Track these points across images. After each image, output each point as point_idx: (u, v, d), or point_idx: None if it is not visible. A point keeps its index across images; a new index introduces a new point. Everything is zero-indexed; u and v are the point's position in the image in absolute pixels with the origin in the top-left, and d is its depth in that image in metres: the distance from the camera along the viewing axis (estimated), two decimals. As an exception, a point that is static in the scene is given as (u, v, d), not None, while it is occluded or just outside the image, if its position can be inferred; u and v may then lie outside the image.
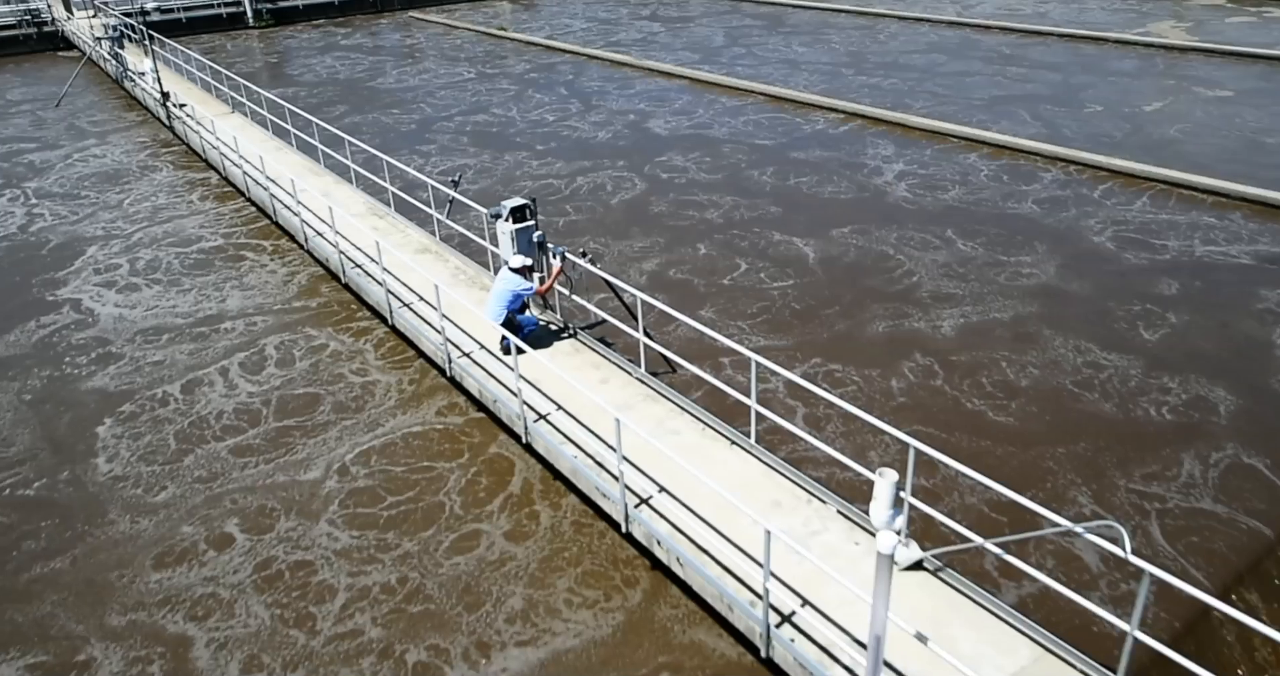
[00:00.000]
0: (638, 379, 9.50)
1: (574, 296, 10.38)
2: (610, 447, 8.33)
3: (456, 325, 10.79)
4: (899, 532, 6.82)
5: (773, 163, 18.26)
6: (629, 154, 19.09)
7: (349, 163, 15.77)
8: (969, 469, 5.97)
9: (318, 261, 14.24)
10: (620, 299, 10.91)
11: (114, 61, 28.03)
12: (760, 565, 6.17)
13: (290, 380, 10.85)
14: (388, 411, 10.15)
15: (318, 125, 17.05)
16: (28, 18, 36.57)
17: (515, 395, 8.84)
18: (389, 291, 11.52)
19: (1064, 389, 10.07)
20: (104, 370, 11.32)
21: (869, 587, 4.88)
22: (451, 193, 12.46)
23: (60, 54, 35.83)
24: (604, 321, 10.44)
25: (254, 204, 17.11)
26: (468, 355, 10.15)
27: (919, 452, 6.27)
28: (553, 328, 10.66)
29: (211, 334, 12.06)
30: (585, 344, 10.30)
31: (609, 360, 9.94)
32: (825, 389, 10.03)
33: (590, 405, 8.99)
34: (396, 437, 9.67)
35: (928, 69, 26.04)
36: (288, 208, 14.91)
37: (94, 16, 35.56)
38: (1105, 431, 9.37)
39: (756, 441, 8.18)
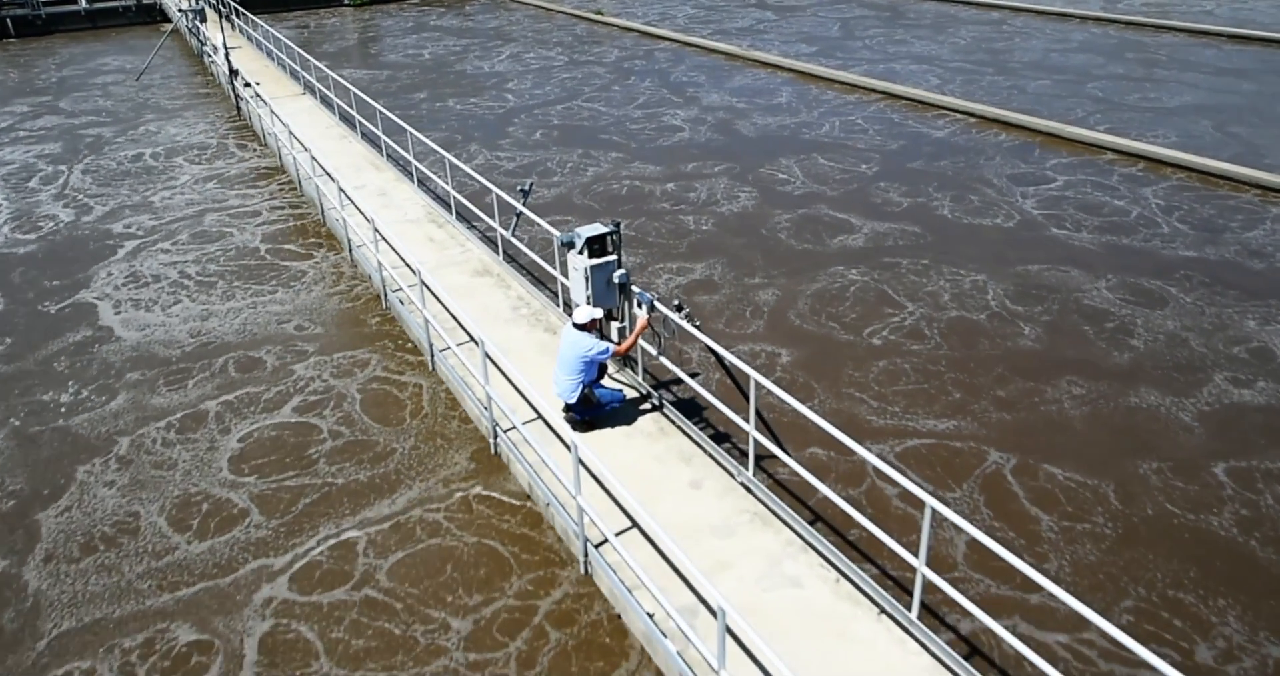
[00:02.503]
0: (742, 483, 6.96)
1: (661, 357, 7.90)
2: (707, 607, 5.81)
3: (509, 380, 8.45)
4: None
5: (902, 175, 15.34)
6: (735, 157, 16.46)
7: (411, 157, 13.67)
8: None
9: (364, 277, 12.13)
10: (726, 371, 8.33)
11: (194, 36, 26.95)
12: None
13: (282, 450, 8.62)
14: (411, 502, 7.84)
15: (381, 113, 15.01)
16: (128, -10, 36.25)
17: (573, 498, 6.42)
18: (429, 322, 9.25)
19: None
20: (77, 414, 9.25)
21: None
22: (519, 206, 10.15)
23: (162, 27, 35.29)
24: (679, 379, 7.90)
25: (308, 199, 15.22)
26: (518, 427, 7.76)
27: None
28: (631, 394, 8.20)
29: (211, 371, 9.88)
30: (673, 421, 7.81)
31: (703, 449, 7.42)
32: (1040, 549, 7.27)
33: (674, 523, 6.51)
34: (417, 552, 7.36)
35: (1083, 71, 22.45)
36: (336, 208, 12.85)
37: (190, -11, 34.95)
38: None
39: (919, 616, 5.54)
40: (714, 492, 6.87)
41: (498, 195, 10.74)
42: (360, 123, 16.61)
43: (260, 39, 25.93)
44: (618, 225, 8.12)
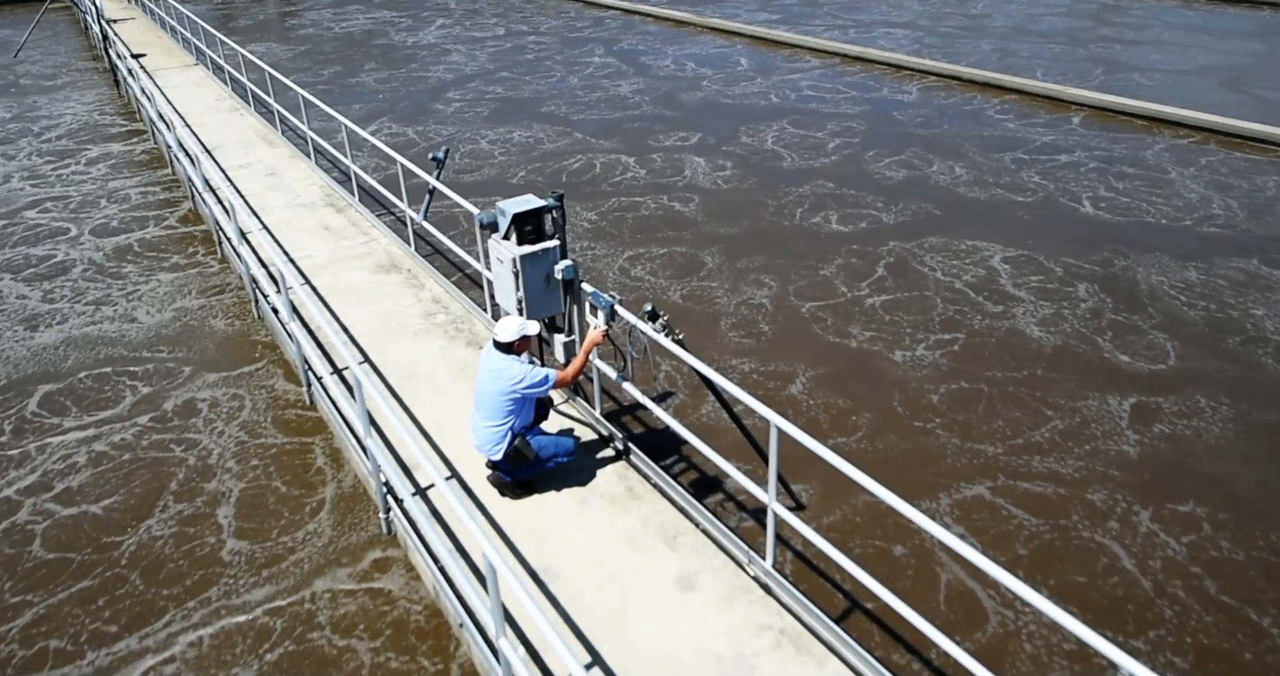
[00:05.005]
0: (756, 578, 4.64)
1: (626, 383, 5.53)
2: None
3: (414, 420, 6.00)
4: None
5: (889, 143, 13.15)
6: (702, 128, 14.10)
7: (307, 128, 11.05)
8: None
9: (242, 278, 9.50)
10: (725, 406, 5.88)
11: (77, 7, 23.69)
12: None
13: (50, 546, 6.13)
14: (251, 604, 5.38)
15: (272, 80, 12.33)
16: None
17: (495, 622, 4.02)
18: (301, 340, 6.75)
19: None
20: None
21: None
22: (432, 180, 7.68)
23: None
24: (651, 411, 5.54)
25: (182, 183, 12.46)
26: (407, 499, 5.35)
27: None
28: (586, 436, 5.82)
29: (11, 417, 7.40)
30: (646, 477, 5.45)
31: (694, 521, 5.08)
32: None
33: (658, 654, 4.17)
34: None
35: (1072, 34, 20.58)
36: (213, 191, 10.15)
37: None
38: None
39: None
40: (716, 595, 4.53)
41: (405, 167, 8.23)
42: (254, 93, 13.86)
43: (154, 9, 22.83)
44: (560, 198, 5.70)
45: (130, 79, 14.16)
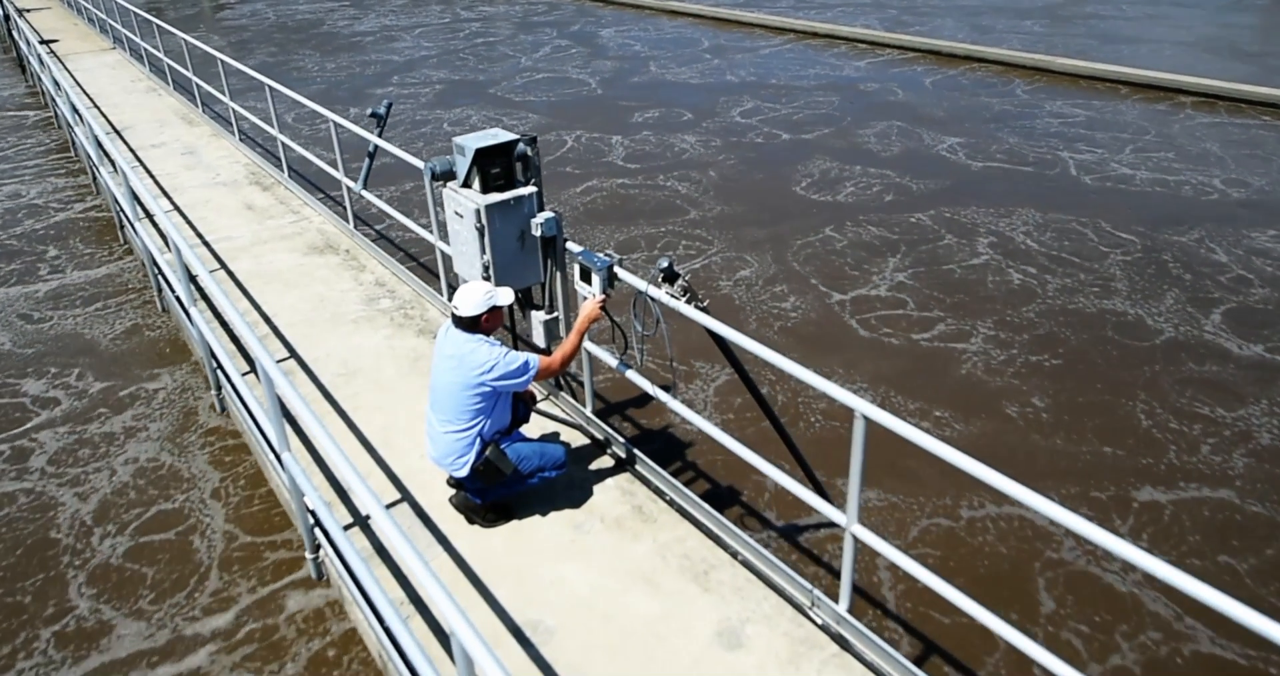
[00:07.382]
0: (823, 627, 3.39)
1: (629, 370, 4.25)
2: None
3: (354, 428, 4.66)
4: None
5: (879, 116, 12.09)
6: (683, 108, 12.91)
7: (229, 101, 9.60)
8: None
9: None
10: (771, 418, 4.48)
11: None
12: None
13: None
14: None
15: (193, 56, 10.83)
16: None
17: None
18: (207, 334, 5.37)
19: None
20: None
21: None
22: (373, 139, 6.37)
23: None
24: (663, 405, 4.22)
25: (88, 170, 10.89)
26: (335, 534, 4.04)
27: None
28: (576, 441, 4.52)
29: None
30: (656, 489, 4.17)
31: (730, 551, 3.80)
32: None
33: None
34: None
35: (1051, 11, 19.84)
36: (110, 160, 8.63)
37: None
38: None
39: None
40: (774, 655, 3.26)
41: (338, 125, 6.86)
42: (174, 71, 12.31)
43: (72, -3, 21.05)
44: (533, 138, 4.41)
45: (31, 56, 12.50)
